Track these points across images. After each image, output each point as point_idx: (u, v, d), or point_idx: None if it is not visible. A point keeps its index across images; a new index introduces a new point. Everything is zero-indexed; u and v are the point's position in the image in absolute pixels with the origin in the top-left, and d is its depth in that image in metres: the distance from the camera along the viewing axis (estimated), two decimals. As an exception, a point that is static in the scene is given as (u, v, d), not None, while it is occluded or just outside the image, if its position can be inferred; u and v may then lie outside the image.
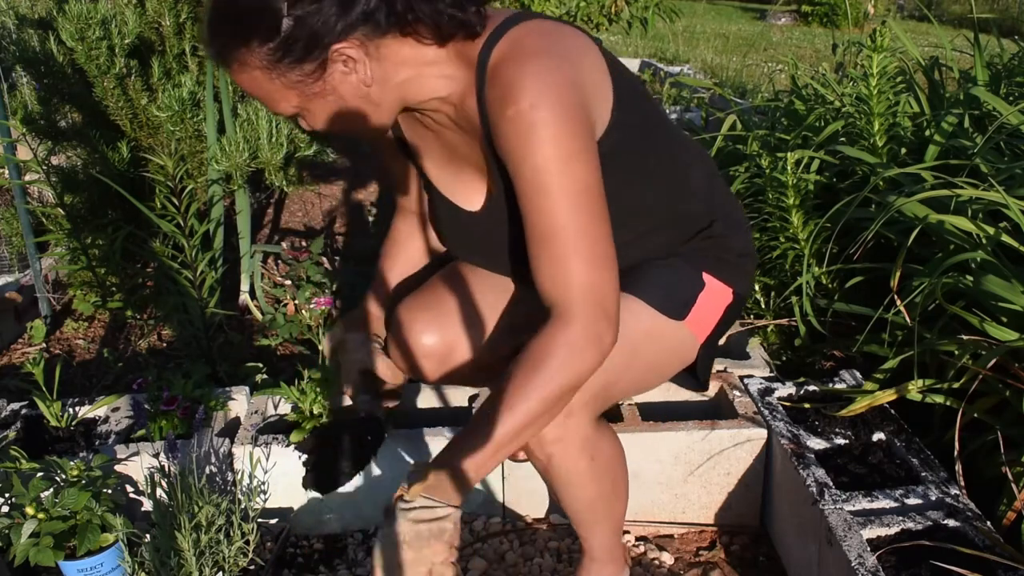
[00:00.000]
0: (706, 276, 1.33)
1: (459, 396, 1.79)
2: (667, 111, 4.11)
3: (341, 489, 1.63)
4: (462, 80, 1.15)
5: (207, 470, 1.59)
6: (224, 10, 1.09)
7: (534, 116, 1.03)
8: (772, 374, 1.82)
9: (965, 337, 1.50)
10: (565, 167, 1.05)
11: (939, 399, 1.57)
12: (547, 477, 1.26)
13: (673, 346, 1.34)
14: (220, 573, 1.43)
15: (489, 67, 1.11)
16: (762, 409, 1.66)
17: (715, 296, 1.34)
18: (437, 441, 1.60)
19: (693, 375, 1.42)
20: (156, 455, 1.56)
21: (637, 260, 1.31)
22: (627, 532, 1.65)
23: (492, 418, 1.06)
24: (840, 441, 1.57)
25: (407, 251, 1.52)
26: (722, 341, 1.45)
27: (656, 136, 1.26)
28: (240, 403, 1.77)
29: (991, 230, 1.57)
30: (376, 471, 1.62)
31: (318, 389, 1.62)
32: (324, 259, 2.49)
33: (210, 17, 1.11)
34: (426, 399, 1.81)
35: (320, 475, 1.38)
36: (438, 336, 1.38)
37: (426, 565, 1.05)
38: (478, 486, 1.64)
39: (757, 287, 2.05)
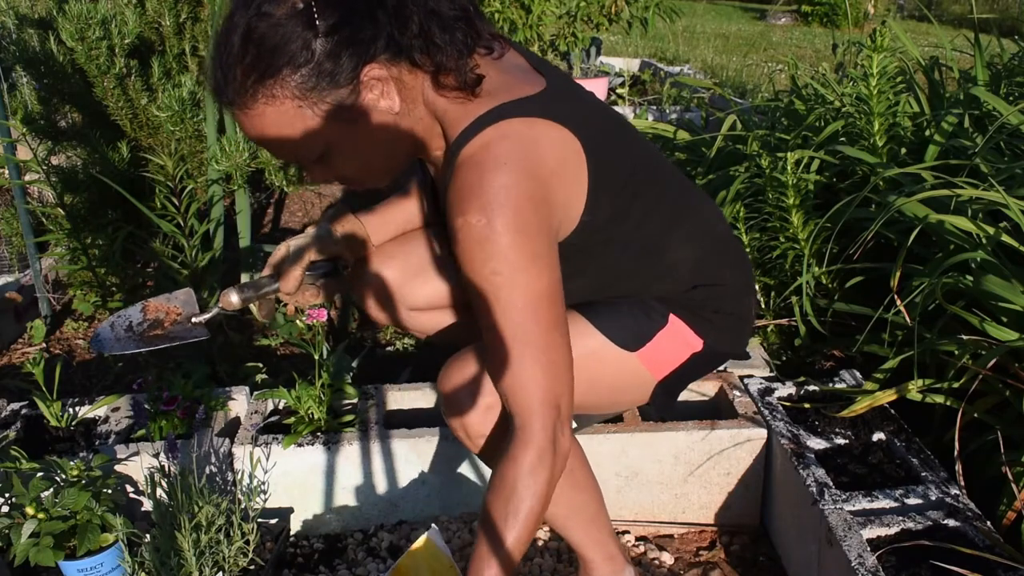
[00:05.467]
0: (672, 317, 1.31)
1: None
2: (668, 110, 4.09)
3: (341, 487, 1.63)
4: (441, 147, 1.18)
5: (207, 470, 1.59)
6: (243, 45, 0.99)
7: (481, 231, 1.02)
8: (772, 374, 1.82)
9: (965, 337, 1.50)
10: (513, 279, 1.04)
11: (939, 399, 1.57)
12: None
13: (619, 374, 1.32)
14: (220, 573, 1.43)
15: (459, 157, 1.08)
16: (762, 409, 1.66)
17: (678, 338, 1.32)
18: (433, 441, 1.60)
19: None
20: (156, 455, 1.56)
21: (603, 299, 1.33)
22: (627, 532, 1.66)
23: (492, 552, 1.08)
24: (840, 441, 1.57)
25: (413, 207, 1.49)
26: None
27: (624, 230, 1.22)
28: (240, 403, 1.77)
29: (991, 230, 1.57)
30: (376, 472, 1.62)
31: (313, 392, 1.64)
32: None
33: (222, 57, 1.01)
34: (427, 399, 1.81)
35: None
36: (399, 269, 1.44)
37: None
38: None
39: (757, 287, 2.05)
